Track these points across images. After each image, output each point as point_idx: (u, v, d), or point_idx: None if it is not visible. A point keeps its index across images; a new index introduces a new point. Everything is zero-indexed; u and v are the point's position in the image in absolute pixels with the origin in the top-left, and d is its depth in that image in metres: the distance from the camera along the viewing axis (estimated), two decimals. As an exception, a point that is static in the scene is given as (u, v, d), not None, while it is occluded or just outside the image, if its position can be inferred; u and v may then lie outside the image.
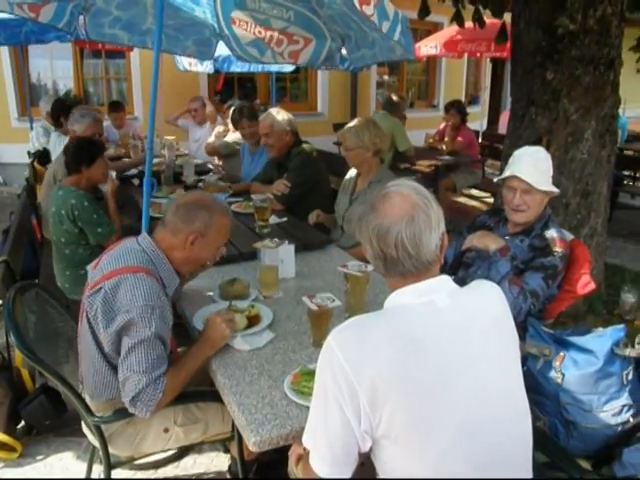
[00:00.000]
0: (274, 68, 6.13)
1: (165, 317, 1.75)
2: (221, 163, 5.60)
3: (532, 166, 2.29)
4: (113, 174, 3.40)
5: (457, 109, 6.53)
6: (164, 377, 1.70)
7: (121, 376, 1.69)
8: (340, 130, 3.26)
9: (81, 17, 3.27)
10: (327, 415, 1.18)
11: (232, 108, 5.37)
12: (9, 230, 3.39)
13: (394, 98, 6.65)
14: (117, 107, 6.43)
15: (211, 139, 5.69)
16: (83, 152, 3.11)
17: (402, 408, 1.13)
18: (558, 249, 2.28)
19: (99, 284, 1.74)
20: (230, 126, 5.31)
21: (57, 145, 4.62)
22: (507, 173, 2.34)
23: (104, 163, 3.25)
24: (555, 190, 2.33)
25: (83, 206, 2.96)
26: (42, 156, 5.17)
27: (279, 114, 3.75)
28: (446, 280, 1.30)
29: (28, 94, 7.24)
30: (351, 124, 3.19)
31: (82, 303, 1.82)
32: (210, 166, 5.40)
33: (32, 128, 6.10)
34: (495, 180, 2.50)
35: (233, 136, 5.15)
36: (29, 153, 5.56)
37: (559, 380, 2.03)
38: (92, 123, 4.03)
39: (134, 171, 4.87)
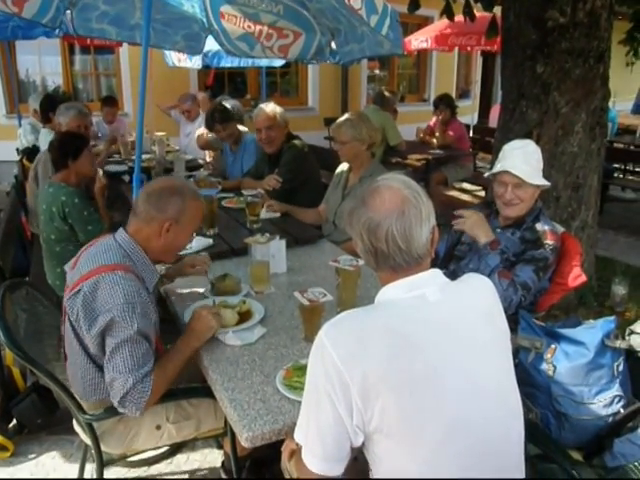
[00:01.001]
0: (264, 62, 6.11)
1: (147, 313, 1.73)
2: (210, 159, 5.57)
3: (522, 160, 2.29)
4: (100, 172, 3.38)
5: (446, 103, 6.53)
6: (151, 375, 1.69)
7: (108, 377, 1.67)
8: (333, 124, 3.23)
9: (68, 12, 3.24)
10: (319, 410, 1.18)
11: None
12: (-2, 228, 3.36)
13: (385, 93, 6.64)
14: (110, 102, 6.40)
15: (201, 130, 5.62)
16: (67, 146, 3.09)
17: (393, 402, 1.12)
18: (549, 241, 2.29)
19: (78, 286, 1.71)
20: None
21: (47, 141, 4.58)
22: (498, 168, 2.34)
23: (90, 155, 3.22)
24: (546, 183, 2.34)
25: (74, 203, 2.94)
26: (31, 153, 5.13)
27: (276, 107, 3.73)
28: (437, 274, 1.30)
29: (16, 91, 7.19)
30: (345, 117, 3.17)
31: (63, 306, 1.79)
32: (200, 161, 5.38)
33: (20, 125, 6.06)
34: (486, 175, 2.50)
35: None
36: (18, 150, 5.52)
37: (550, 372, 2.03)
38: (76, 115, 4.00)
39: (124, 167, 4.85)
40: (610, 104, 4.13)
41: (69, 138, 3.20)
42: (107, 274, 1.69)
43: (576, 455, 1.95)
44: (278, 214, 3.31)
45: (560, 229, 2.47)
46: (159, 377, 1.71)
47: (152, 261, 1.87)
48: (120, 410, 1.69)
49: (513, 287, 2.18)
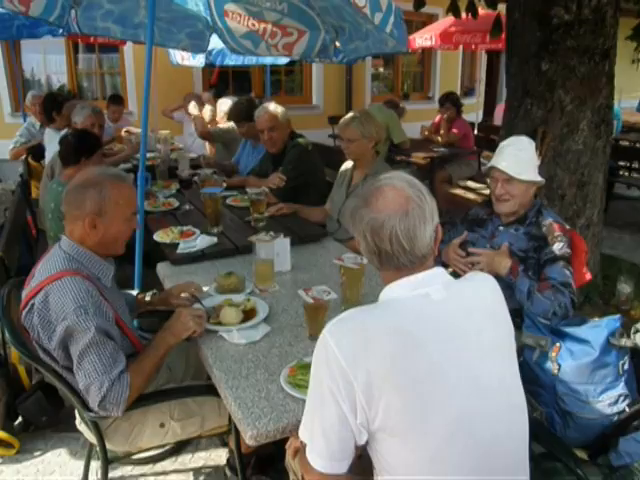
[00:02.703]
0: (268, 60, 6.11)
1: (102, 312, 1.70)
2: (208, 151, 5.57)
3: (513, 156, 2.32)
4: None
5: (452, 101, 6.52)
6: (126, 372, 1.67)
7: (81, 385, 1.65)
8: (340, 122, 3.22)
9: (73, 11, 3.25)
10: (323, 408, 1.18)
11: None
12: (3, 226, 3.37)
13: (401, 105, 6.78)
14: (117, 100, 6.41)
15: (206, 114, 5.59)
16: (84, 143, 3.10)
17: (397, 401, 1.12)
18: (558, 233, 2.28)
19: (30, 301, 1.69)
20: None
21: (52, 141, 4.59)
22: (489, 164, 2.38)
23: (100, 159, 3.24)
24: (538, 179, 2.34)
25: None
26: (36, 152, 5.15)
27: (277, 107, 3.73)
28: (440, 272, 1.29)
29: (21, 89, 7.20)
30: (352, 115, 3.16)
31: (22, 325, 1.76)
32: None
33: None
34: (483, 172, 2.52)
35: (229, 124, 5.08)
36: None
37: (555, 371, 2.03)
38: (91, 114, 4.04)
39: (129, 165, 4.85)
40: (616, 102, 4.10)
41: (86, 136, 3.21)
42: (54, 283, 1.66)
43: (581, 454, 1.95)
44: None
45: (565, 225, 2.46)
46: (136, 373, 1.70)
47: (101, 256, 1.84)
48: (101, 413, 1.68)
49: (559, 292, 2.14)
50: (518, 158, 2.32)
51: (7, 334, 1.80)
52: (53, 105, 4.97)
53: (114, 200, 1.79)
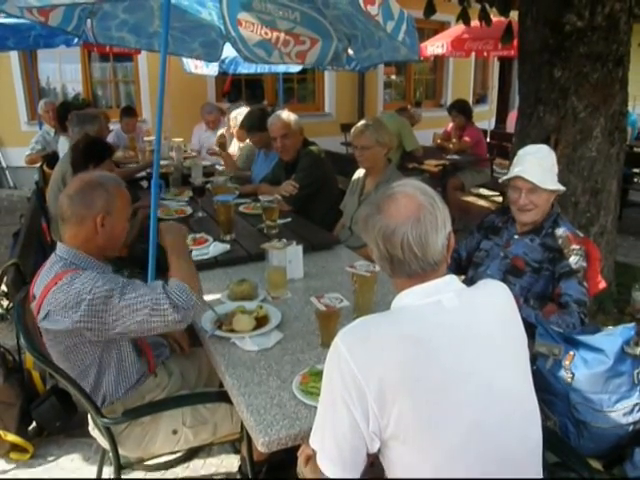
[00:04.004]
0: (281, 69, 6.14)
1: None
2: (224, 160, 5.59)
3: (536, 165, 2.29)
4: None
5: (458, 110, 6.51)
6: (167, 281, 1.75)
7: (151, 315, 1.67)
8: (353, 129, 3.24)
9: (88, 21, 3.30)
10: (335, 416, 1.18)
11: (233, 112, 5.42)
12: (19, 233, 3.41)
13: (411, 111, 6.81)
14: (129, 112, 6.47)
15: (233, 150, 5.60)
16: (93, 150, 3.12)
17: (410, 409, 1.12)
18: (575, 246, 2.27)
19: (41, 311, 1.70)
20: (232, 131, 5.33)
21: (65, 149, 4.64)
22: (511, 174, 2.35)
23: (111, 167, 3.26)
24: (561, 188, 2.33)
25: None
26: (51, 160, 5.21)
27: (290, 115, 3.75)
28: (453, 280, 1.29)
29: (37, 98, 7.29)
30: (364, 123, 3.18)
31: (37, 330, 1.79)
32: (218, 167, 5.40)
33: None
34: (500, 181, 2.50)
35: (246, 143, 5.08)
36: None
37: (569, 379, 2.01)
38: (92, 126, 4.09)
39: (142, 173, 4.90)
40: (630, 108, 4.07)
41: (96, 143, 3.24)
42: (53, 287, 1.67)
43: (596, 464, 1.93)
44: (290, 219, 3.29)
45: (579, 234, 2.45)
46: (176, 274, 1.79)
47: (99, 259, 1.85)
48: (183, 322, 1.71)
49: (565, 314, 2.16)
50: (541, 167, 2.29)
51: (22, 339, 1.81)
52: (66, 115, 5.02)
53: (120, 200, 1.85)
